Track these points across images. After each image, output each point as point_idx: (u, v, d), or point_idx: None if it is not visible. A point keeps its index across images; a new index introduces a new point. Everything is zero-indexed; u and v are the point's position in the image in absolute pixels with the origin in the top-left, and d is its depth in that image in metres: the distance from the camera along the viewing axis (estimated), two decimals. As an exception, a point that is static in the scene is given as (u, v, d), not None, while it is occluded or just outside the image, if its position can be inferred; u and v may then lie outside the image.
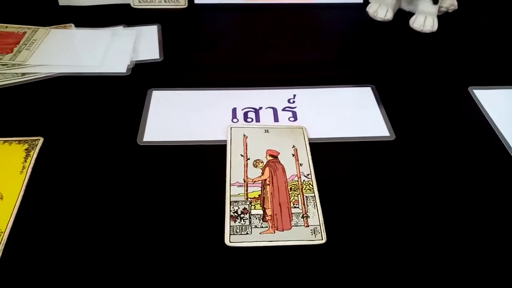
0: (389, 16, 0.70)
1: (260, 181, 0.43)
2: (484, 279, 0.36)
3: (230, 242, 0.38)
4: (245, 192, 0.42)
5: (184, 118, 0.51)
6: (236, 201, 0.41)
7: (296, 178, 0.44)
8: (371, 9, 0.71)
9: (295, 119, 0.51)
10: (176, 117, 0.51)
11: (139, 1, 0.71)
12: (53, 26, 0.65)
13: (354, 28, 0.70)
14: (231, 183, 0.43)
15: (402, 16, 0.72)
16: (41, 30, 0.64)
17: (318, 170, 0.45)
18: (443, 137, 0.50)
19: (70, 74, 0.56)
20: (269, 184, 0.43)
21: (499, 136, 0.50)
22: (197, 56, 0.62)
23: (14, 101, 0.52)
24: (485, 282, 0.36)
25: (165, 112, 0.52)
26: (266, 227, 0.39)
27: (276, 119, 0.51)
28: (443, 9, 0.71)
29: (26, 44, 0.61)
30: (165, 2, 0.72)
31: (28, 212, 0.40)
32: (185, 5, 0.72)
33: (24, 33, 0.63)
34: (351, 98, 0.55)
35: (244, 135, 0.48)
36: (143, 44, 0.63)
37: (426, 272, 0.37)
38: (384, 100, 0.54)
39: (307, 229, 0.39)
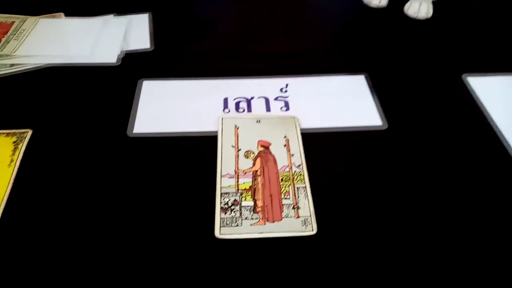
0: (383, 2, 0.69)
1: (251, 172, 0.43)
2: (472, 267, 0.36)
3: (220, 234, 0.38)
4: (236, 184, 0.42)
5: (175, 108, 0.50)
6: (226, 193, 0.41)
7: (287, 169, 0.43)
8: (365, -5, 0.70)
9: (287, 108, 0.51)
10: (166, 107, 0.50)
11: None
12: (42, 16, 0.64)
13: (348, 15, 0.69)
14: (222, 174, 0.43)
15: (397, 2, 0.71)
16: (30, 19, 0.63)
17: (309, 160, 0.44)
18: (437, 126, 0.49)
19: (59, 65, 0.56)
20: (260, 175, 0.43)
21: (492, 124, 0.49)
22: (189, 45, 0.61)
23: (2, 92, 0.52)
24: (473, 272, 0.36)
25: (155, 103, 0.51)
26: (257, 218, 0.39)
27: (268, 109, 0.51)
28: (438, -6, 0.70)
29: (14, 34, 0.60)
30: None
31: (16, 206, 0.40)
32: (176, -8, 0.71)
33: (12, 22, 0.62)
34: (344, 87, 0.54)
35: (236, 126, 0.48)
36: (134, 33, 0.62)
37: (417, 262, 0.37)
38: (377, 88, 0.53)
39: (298, 220, 0.39)
